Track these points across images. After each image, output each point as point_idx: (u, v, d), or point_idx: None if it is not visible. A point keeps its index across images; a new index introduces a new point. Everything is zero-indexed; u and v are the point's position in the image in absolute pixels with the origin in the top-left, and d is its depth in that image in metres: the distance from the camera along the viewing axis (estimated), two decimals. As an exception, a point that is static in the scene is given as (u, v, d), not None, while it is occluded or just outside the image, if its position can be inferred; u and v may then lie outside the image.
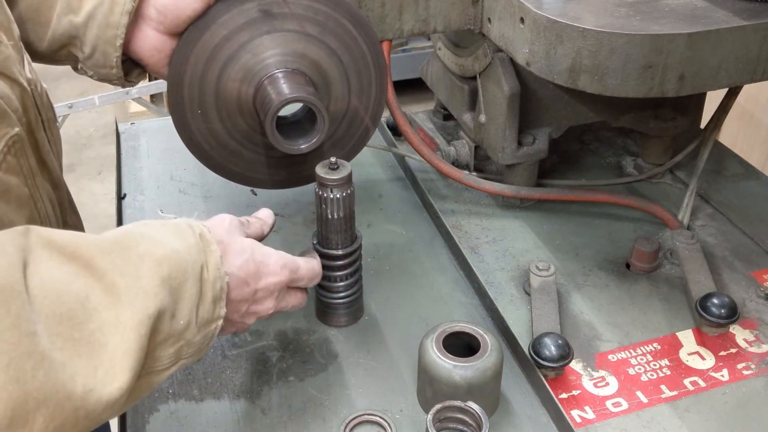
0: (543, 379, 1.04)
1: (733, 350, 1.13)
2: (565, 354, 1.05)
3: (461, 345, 1.00)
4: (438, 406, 0.92)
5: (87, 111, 3.89)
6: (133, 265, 0.75)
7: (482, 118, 1.36)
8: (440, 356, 0.97)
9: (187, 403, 1.04)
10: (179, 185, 1.50)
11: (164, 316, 0.76)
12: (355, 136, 1.18)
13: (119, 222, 1.40)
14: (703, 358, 1.12)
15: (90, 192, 3.87)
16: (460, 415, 0.93)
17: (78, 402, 0.67)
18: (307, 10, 1.05)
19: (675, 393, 1.06)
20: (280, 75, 1.05)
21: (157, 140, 1.65)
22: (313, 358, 1.11)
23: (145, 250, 0.77)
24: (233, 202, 1.43)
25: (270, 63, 1.05)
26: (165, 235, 0.81)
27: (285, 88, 1.02)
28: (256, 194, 1.43)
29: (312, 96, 1.02)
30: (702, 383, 1.08)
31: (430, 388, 0.98)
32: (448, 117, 1.62)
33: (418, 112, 1.67)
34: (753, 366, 1.10)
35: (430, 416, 0.90)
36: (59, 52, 1.06)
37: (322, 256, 1.09)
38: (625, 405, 1.05)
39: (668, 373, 1.09)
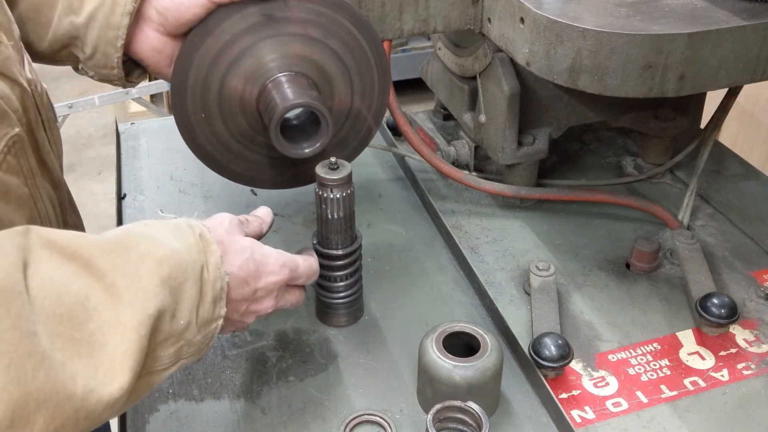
0: (543, 379, 1.04)
1: (733, 350, 1.13)
2: (565, 354, 1.05)
3: (461, 345, 1.00)
4: (438, 406, 0.92)
5: (87, 111, 3.89)
6: (134, 265, 0.75)
7: (482, 118, 1.36)
8: (440, 356, 0.97)
9: (187, 403, 1.04)
10: (179, 185, 1.50)
11: (164, 316, 0.76)
12: (357, 136, 1.18)
13: (119, 222, 1.40)
14: (703, 358, 1.12)
15: (90, 192, 3.87)
16: (460, 415, 0.93)
17: (78, 402, 0.67)
18: (310, 13, 1.05)
19: (675, 393, 1.06)
20: (283, 79, 1.05)
21: (157, 140, 1.65)
22: (313, 358, 1.11)
23: (146, 250, 0.77)
24: (233, 202, 1.43)
25: (273, 66, 1.06)
26: (165, 235, 0.81)
27: (289, 93, 1.03)
28: (255, 194, 1.43)
29: (316, 101, 1.02)
30: (702, 383, 1.08)
31: (430, 388, 0.98)
32: (448, 117, 1.62)
33: (418, 112, 1.67)
34: (753, 366, 1.10)
35: (430, 416, 0.91)
36: (60, 53, 1.06)
37: (322, 256, 1.09)
38: (625, 405, 1.05)
39: (668, 373, 1.09)
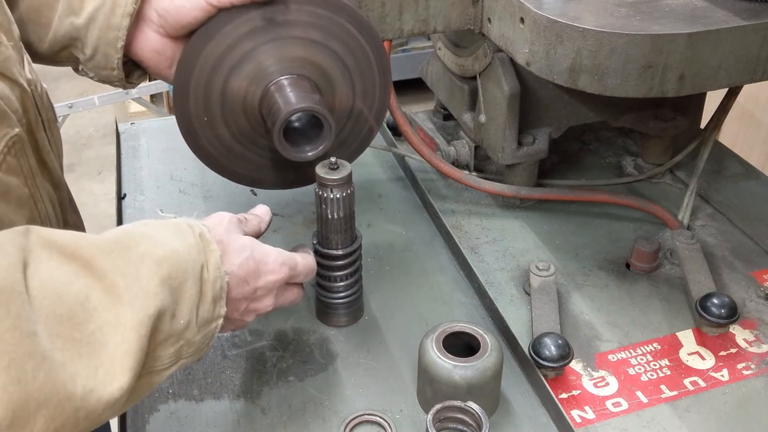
0: (543, 379, 1.04)
1: (733, 350, 1.13)
2: (565, 354, 1.05)
3: (461, 345, 1.00)
4: (438, 406, 0.92)
5: (87, 111, 3.89)
6: (134, 265, 0.75)
7: (482, 118, 1.36)
8: (440, 356, 0.97)
9: (187, 403, 1.04)
10: (179, 185, 1.50)
11: (164, 316, 0.76)
12: (359, 137, 1.18)
13: (119, 222, 1.40)
14: (703, 358, 1.12)
15: (90, 192, 3.87)
16: (460, 415, 0.93)
17: (78, 402, 0.67)
18: (310, 15, 1.05)
19: (675, 393, 1.06)
20: (285, 82, 1.05)
21: (157, 140, 1.65)
22: (313, 358, 1.11)
23: (145, 250, 0.77)
24: (233, 202, 1.43)
25: (275, 70, 1.06)
26: (165, 234, 0.81)
27: (292, 97, 1.03)
28: (255, 194, 1.43)
29: (319, 105, 1.03)
30: (702, 383, 1.08)
31: (430, 388, 0.98)
32: (448, 117, 1.62)
33: (418, 112, 1.67)
34: (753, 366, 1.10)
35: (430, 416, 0.91)
36: (60, 54, 1.06)
37: (322, 256, 1.09)
38: (625, 405, 1.05)
39: (668, 373, 1.09)
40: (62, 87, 4.54)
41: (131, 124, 1.73)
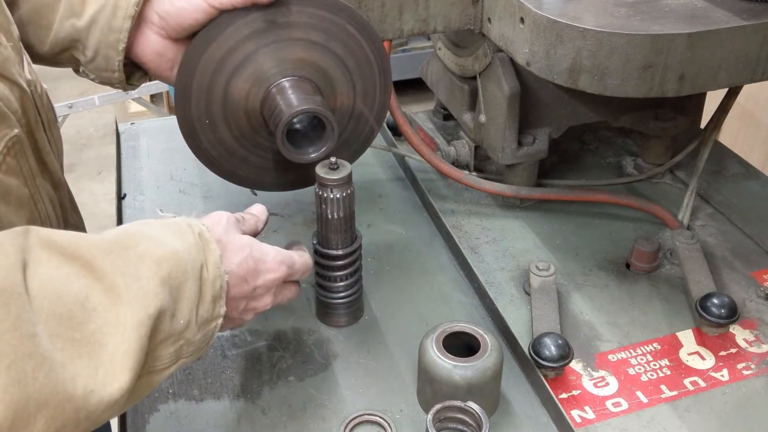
0: (543, 379, 1.04)
1: (733, 350, 1.13)
2: (565, 354, 1.05)
3: (461, 345, 1.00)
4: (438, 406, 0.92)
5: (87, 111, 3.89)
6: (133, 265, 0.75)
7: (482, 118, 1.36)
8: (440, 356, 0.97)
9: (187, 403, 1.04)
10: (179, 185, 1.50)
11: (164, 316, 0.76)
12: (360, 137, 1.18)
13: (119, 222, 1.40)
14: (703, 358, 1.12)
15: (90, 192, 3.87)
16: (460, 415, 0.93)
17: (79, 403, 0.67)
18: (311, 17, 1.05)
19: (675, 393, 1.06)
20: (287, 84, 1.05)
21: (157, 140, 1.65)
22: (313, 358, 1.11)
23: (145, 250, 0.77)
24: (233, 202, 1.43)
25: (276, 72, 1.06)
26: (164, 234, 0.81)
27: (294, 99, 1.03)
28: (255, 194, 1.43)
29: (321, 106, 1.03)
30: (702, 383, 1.08)
31: (430, 388, 0.98)
32: (448, 117, 1.62)
33: (418, 112, 1.67)
34: (753, 366, 1.10)
35: (430, 416, 0.91)
36: (61, 55, 1.06)
37: (322, 256, 1.09)
38: (625, 405, 1.05)
39: (668, 373, 1.09)
40: (62, 87, 4.54)
41: (131, 124, 1.73)
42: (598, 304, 1.21)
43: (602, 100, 1.36)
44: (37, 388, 0.64)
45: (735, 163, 1.58)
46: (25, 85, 0.91)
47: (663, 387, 1.07)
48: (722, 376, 1.09)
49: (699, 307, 1.14)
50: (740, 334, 1.16)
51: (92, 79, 1.08)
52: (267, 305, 0.94)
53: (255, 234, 0.97)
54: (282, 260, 0.94)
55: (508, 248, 1.34)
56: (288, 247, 1.00)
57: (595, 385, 1.08)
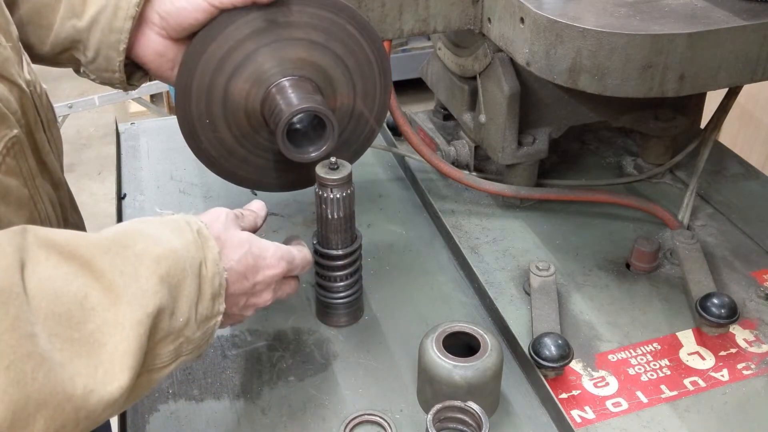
0: (543, 379, 1.04)
1: (733, 350, 1.13)
2: (565, 354, 1.05)
3: (461, 345, 1.00)
4: (438, 406, 0.92)
5: (87, 111, 3.89)
6: (132, 263, 0.75)
7: (482, 118, 1.36)
8: (440, 356, 0.97)
9: (187, 403, 1.04)
10: (179, 185, 1.50)
11: (163, 314, 0.76)
12: (360, 137, 1.18)
13: (119, 222, 1.40)
14: (703, 358, 1.12)
15: (90, 192, 3.87)
16: (460, 415, 0.93)
17: (78, 402, 0.67)
18: (312, 17, 1.05)
19: (675, 393, 1.06)
20: (287, 83, 1.05)
21: (157, 140, 1.65)
22: (313, 358, 1.11)
23: (143, 248, 0.77)
24: (233, 202, 1.42)
25: (276, 71, 1.06)
26: (163, 232, 0.80)
27: (294, 98, 1.03)
28: (256, 194, 1.43)
29: (321, 105, 1.03)
30: (702, 383, 1.08)
31: (430, 388, 0.98)
32: (448, 117, 1.62)
33: (418, 112, 1.67)
34: (753, 366, 1.10)
35: (430, 416, 0.90)
36: (61, 56, 1.06)
37: (322, 256, 1.09)
38: (625, 405, 1.05)
39: (668, 373, 1.09)
40: (62, 87, 4.54)
41: (131, 124, 1.73)
42: (598, 304, 1.21)
43: (602, 100, 1.36)
44: (37, 388, 0.64)
45: (735, 163, 1.58)
46: (24, 86, 0.91)
47: (663, 387, 1.07)
48: (722, 376, 1.09)
49: (699, 307, 1.14)
50: (740, 334, 1.16)
51: (93, 80, 1.08)
52: (267, 301, 0.94)
53: (254, 230, 0.97)
54: (281, 256, 0.93)
55: (508, 248, 1.34)
56: (286, 241, 1.00)
57: (595, 385, 1.08)
